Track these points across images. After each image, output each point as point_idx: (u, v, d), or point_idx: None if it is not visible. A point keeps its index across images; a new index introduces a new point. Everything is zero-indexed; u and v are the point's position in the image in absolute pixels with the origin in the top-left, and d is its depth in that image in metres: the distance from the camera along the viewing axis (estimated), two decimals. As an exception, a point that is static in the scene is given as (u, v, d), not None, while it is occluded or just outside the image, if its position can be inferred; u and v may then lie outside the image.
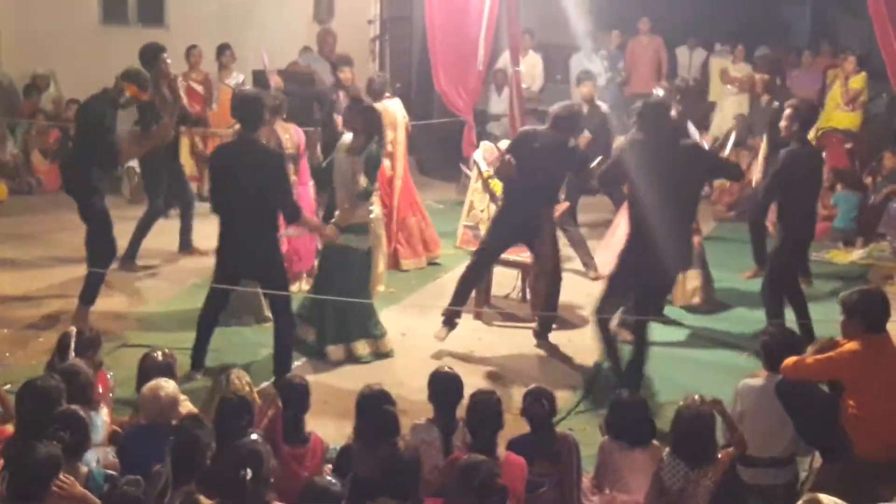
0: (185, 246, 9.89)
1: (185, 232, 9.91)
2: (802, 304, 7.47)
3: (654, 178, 6.73)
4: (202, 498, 4.41)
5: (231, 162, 6.83)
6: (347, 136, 7.60)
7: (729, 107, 14.22)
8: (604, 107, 10.22)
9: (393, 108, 9.38)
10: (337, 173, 7.50)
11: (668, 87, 10.01)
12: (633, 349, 7.03)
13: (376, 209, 7.82)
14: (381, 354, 7.57)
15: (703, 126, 12.77)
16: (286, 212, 6.93)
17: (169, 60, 9.06)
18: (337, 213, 7.46)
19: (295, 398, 5.25)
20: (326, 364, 7.38)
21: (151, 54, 8.94)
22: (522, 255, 8.48)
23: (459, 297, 7.82)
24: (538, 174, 7.47)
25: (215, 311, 7.11)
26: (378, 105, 8.42)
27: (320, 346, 7.51)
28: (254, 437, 4.71)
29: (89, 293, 7.78)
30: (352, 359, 7.45)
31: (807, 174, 7.36)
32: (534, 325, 7.99)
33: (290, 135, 8.42)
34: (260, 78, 11.02)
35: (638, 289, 7.09)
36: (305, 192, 8.68)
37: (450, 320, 7.73)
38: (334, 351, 7.45)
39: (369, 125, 7.44)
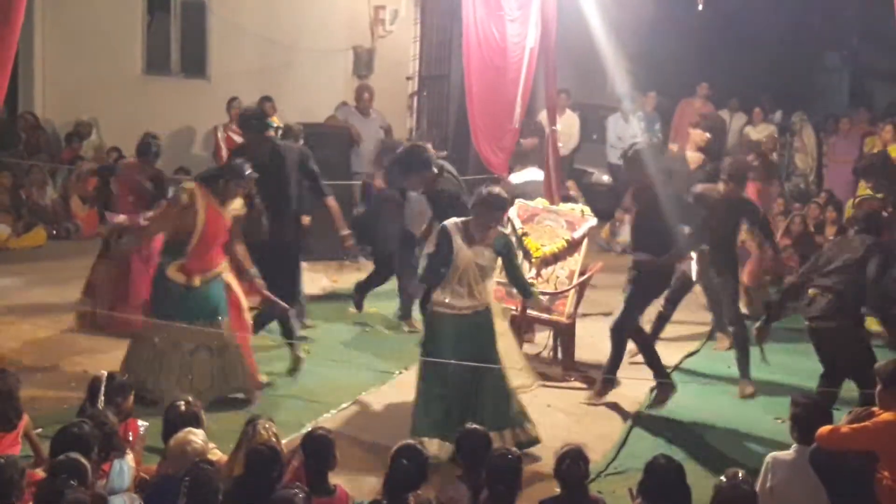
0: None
1: None
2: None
3: None
4: None
5: None
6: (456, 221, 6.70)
7: None
8: None
9: None
10: (461, 268, 6.58)
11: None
12: None
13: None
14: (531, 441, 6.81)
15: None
16: None
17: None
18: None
19: (319, 451, 5.22)
20: (355, 417, 7.36)
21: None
22: (554, 314, 8.45)
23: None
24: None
25: None
26: None
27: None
28: (295, 490, 4.69)
29: None
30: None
31: None
32: (571, 383, 8.27)
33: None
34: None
35: None
36: None
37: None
38: (501, 436, 6.48)
39: (490, 215, 6.62)
